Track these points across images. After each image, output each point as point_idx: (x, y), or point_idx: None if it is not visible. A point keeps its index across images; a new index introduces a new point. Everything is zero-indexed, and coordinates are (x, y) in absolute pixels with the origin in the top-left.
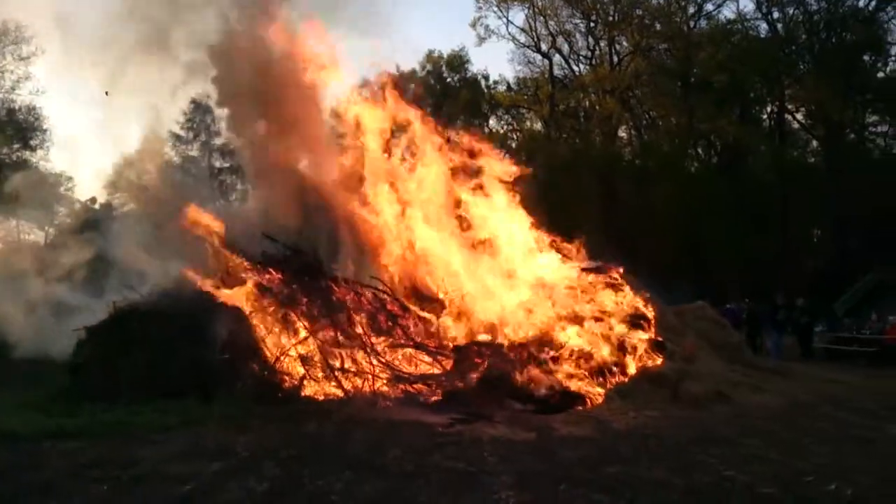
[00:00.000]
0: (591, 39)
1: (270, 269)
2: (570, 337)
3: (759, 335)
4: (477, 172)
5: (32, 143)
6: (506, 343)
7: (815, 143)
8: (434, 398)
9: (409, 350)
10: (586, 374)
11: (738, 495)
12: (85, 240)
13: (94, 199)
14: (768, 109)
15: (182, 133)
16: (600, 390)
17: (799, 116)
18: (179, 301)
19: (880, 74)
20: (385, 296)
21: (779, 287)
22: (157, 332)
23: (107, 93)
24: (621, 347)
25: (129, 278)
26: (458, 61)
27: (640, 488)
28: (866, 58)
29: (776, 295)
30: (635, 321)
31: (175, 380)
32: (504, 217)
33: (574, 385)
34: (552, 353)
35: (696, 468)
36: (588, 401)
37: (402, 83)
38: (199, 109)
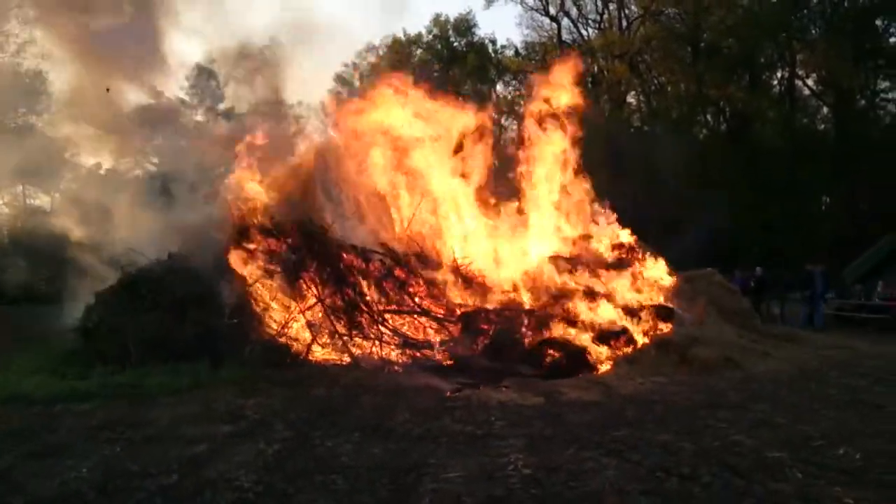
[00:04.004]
0: (599, 3)
1: (279, 235)
2: (579, 303)
3: (765, 302)
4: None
5: (37, 107)
6: (513, 309)
7: (825, 109)
8: (441, 364)
9: (417, 316)
10: (594, 340)
11: (746, 459)
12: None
13: (99, 164)
14: (778, 75)
15: (187, 98)
16: (608, 356)
17: (810, 82)
18: (188, 266)
19: (893, 39)
20: (392, 262)
21: (790, 253)
22: (166, 297)
23: (108, 89)
24: (630, 313)
25: (138, 242)
26: (465, 25)
27: (648, 452)
28: (878, 22)
29: (805, 263)
30: (646, 288)
31: (184, 344)
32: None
33: (582, 351)
34: (560, 318)
35: (705, 432)
36: (596, 366)
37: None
38: (203, 74)
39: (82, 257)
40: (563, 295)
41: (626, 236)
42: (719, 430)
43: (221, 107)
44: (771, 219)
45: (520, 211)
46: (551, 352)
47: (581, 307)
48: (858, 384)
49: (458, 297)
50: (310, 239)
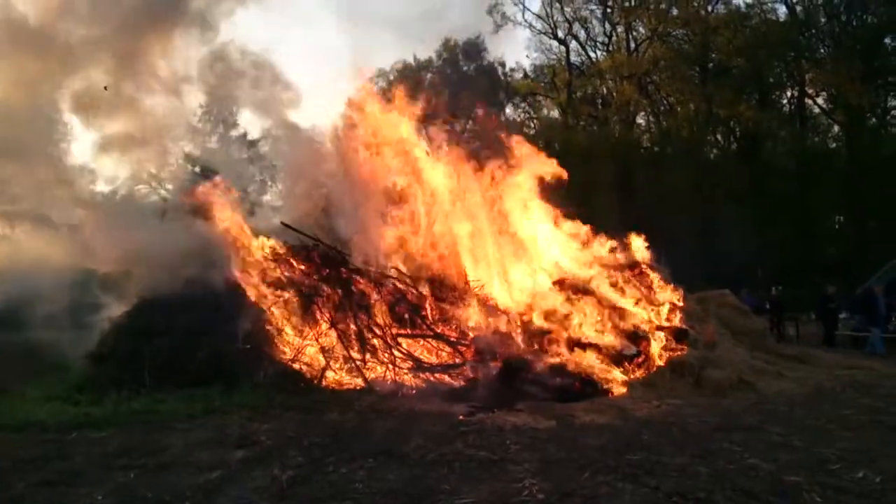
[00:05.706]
0: (607, 25)
1: (291, 260)
2: (593, 325)
3: (781, 322)
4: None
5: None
6: (527, 332)
7: (835, 128)
8: (455, 387)
9: (430, 340)
10: (608, 362)
11: (762, 482)
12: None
13: (115, 191)
14: (788, 94)
15: (199, 125)
16: (622, 378)
17: (819, 101)
18: (202, 291)
19: None
20: (405, 286)
21: (802, 273)
22: (179, 322)
23: (105, 87)
24: (644, 335)
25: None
26: (474, 49)
27: (663, 475)
28: (887, 40)
29: (827, 285)
30: (660, 309)
31: (198, 369)
32: (528, 206)
33: (596, 373)
34: (574, 341)
35: (720, 455)
36: (610, 389)
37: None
38: (215, 100)
39: (97, 283)
40: (575, 317)
41: (638, 255)
42: (735, 453)
43: (234, 134)
44: (780, 239)
45: (529, 232)
46: (565, 374)
47: (594, 330)
48: (875, 405)
49: (471, 320)
50: (322, 263)
